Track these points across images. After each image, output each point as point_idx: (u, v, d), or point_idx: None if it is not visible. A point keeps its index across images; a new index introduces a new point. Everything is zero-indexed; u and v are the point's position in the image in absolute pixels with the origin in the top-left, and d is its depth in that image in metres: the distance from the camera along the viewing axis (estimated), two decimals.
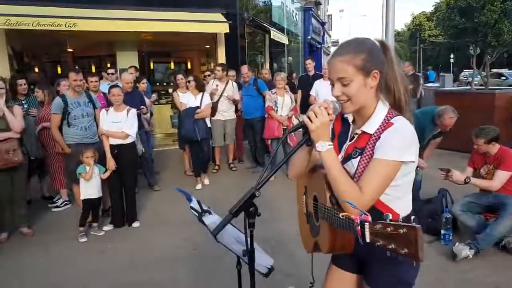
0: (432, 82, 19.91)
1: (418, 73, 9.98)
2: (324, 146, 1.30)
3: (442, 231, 3.54)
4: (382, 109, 1.36)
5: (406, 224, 0.95)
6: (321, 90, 6.05)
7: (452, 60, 34.47)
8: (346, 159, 1.39)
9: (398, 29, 52.75)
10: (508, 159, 3.42)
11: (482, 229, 3.36)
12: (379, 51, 1.34)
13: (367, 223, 1.01)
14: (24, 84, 4.87)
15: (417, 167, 4.20)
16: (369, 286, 1.47)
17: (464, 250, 3.20)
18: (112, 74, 6.24)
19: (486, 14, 8.41)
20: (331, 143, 1.32)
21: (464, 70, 26.44)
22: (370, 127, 1.35)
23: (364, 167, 1.32)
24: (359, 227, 1.02)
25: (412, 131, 1.31)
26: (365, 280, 1.50)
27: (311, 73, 7.13)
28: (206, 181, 5.74)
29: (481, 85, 11.78)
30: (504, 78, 20.22)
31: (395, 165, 1.27)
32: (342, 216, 1.11)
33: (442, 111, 3.95)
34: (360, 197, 1.25)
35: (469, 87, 12.77)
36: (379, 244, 0.99)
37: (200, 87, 5.58)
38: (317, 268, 1.68)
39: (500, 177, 3.39)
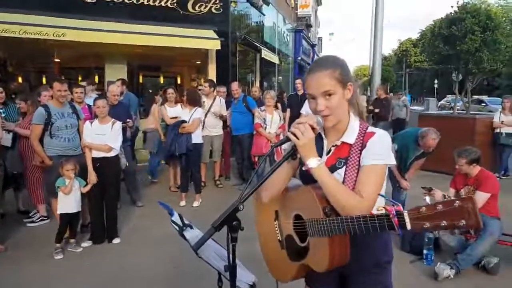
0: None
1: (389, 97, 10.39)
2: (315, 162, 1.32)
3: (424, 251, 3.57)
4: (355, 120, 1.45)
5: (458, 198, 1.00)
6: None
7: (436, 86, 35.55)
8: (332, 170, 1.40)
9: (385, 54, 54.36)
10: (487, 181, 3.51)
11: (463, 249, 3.42)
12: (348, 67, 1.44)
13: (405, 212, 1.04)
14: (1, 93, 4.71)
15: (401, 187, 4.28)
16: None
17: (445, 270, 3.23)
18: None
19: (468, 42, 8.78)
20: (321, 158, 1.36)
21: (447, 96, 27.26)
22: (350, 137, 1.42)
23: (352, 175, 1.36)
24: (396, 218, 1.05)
25: (390, 138, 1.43)
26: None
27: (300, 92, 7.26)
28: (196, 203, 5.42)
29: (463, 110, 12.12)
30: (484, 104, 20.85)
31: (384, 169, 1.39)
32: (379, 209, 1.12)
33: (425, 132, 4.05)
34: (361, 203, 1.29)
35: (451, 111, 13.11)
36: (426, 226, 1.01)
37: (192, 102, 5.48)
38: None
39: (479, 198, 3.44)
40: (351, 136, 1.41)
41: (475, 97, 21.20)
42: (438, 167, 6.73)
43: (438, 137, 4.02)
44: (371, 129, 1.42)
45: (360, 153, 1.37)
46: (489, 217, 3.43)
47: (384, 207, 1.11)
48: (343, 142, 1.42)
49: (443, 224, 1.00)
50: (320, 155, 1.44)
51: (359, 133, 1.41)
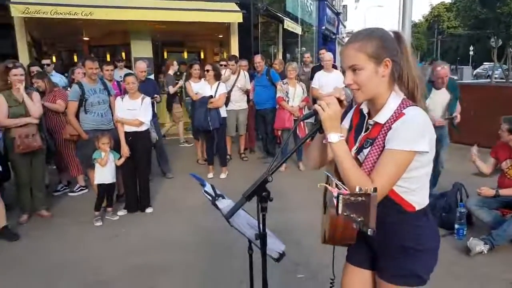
0: None
1: None
2: (335, 137, 1.30)
3: (456, 226, 3.50)
4: (394, 99, 1.34)
5: (364, 192, 0.96)
6: (323, 80, 5.89)
7: (471, 53, 33.66)
8: (359, 150, 1.39)
9: (416, 20, 51.70)
10: None
11: (498, 225, 3.29)
12: (392, 40, 1.33)
13: (341, 195, 1.01)
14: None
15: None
16: (381, 279, 1.45)
17: (478, 245, 3.16)
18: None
19: (509, 4, 8.15)
20: (342, 134, 1.33)
21: (484, 63, 25.81)
22: (382, 117, 1.34)
23: (373, 156, 1.32)
24: (335, 199, 1.03)
25: (425, 120, 1.29)
26: (377, 274, 1.49)
27: None
28: (223, 175, 5.57)
29: (502, 78, 11.47)
30: None
31: (407, 155, 1.26)
32: (319, 186, 1.10)
33: (433, 66, 4.23)
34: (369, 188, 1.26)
35: (489, 80, 12.44)
36: (346, 214, 0.99)
37: (217, 77, 5.57)
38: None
39: None
40: (383, 116, 1.34)
41: None
42: (476, 140, 6.46)
43: (445, 64, 4.18)
44: (407, 110, 1.30)
45: (386, 135, 1.30)
46: None
47: (326, 185, 1.08)
48: (375, 122, 1.37)
49: (352, 216, 0.97)
50: (360, 132, 1.43)
51: (394, 113, 1.31)
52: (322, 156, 1.49)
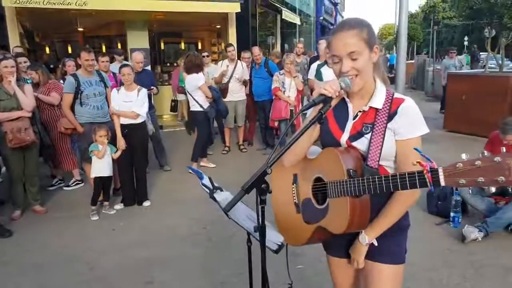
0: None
1: None
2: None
3: (451, 214, 3.56)
4: (381, 85, 1.42)
5: (498, 154, 0.95)
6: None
7: (466, 43, 33.72)
8: (357, 136, 1.39)
9: (412, 11, 51.52)
10: None
11: (491, 212, 3.37)
12: (373, 29, 1.39)
13: (440, 168, 1.02)
14: (24, 62, 4.80)
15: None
16: (374, 261, 1.46)
17: (473, 233, 3.22)
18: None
19: None
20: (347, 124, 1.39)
21: (480, 53, 25.88)
22: (377, 102, 1.38)
23: (377, 140, 1.34)
24: (429, 174, 1.04)
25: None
26: (368, 258, 1.47)
27: None
28: (212, 164, 5.71)
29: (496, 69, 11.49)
30: None
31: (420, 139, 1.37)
32: (414, 163, 1.09)
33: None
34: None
35: (483, 70, 12.46)
36: (462, 183, 0.98)
37: None
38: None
39: None
40: (378, 101, 1.38)
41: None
42: (469, 129, 6.52)
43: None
44: (397, 95, 1.39)
45: (387, 119, 1.35)
46: None
47: (418, 162, 1.08)
48: (370, 107, 1.39)
49: (480, 181, 0.95)
50: (346, 121, 1.43)
51: (386, 98, 1.38)
52: (306, 152, 1.50)
